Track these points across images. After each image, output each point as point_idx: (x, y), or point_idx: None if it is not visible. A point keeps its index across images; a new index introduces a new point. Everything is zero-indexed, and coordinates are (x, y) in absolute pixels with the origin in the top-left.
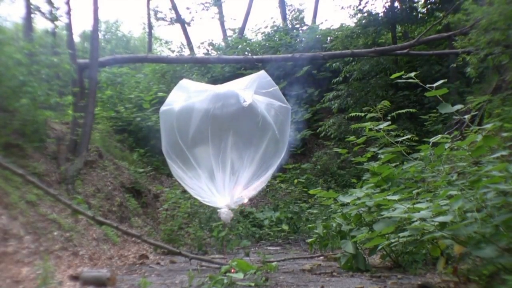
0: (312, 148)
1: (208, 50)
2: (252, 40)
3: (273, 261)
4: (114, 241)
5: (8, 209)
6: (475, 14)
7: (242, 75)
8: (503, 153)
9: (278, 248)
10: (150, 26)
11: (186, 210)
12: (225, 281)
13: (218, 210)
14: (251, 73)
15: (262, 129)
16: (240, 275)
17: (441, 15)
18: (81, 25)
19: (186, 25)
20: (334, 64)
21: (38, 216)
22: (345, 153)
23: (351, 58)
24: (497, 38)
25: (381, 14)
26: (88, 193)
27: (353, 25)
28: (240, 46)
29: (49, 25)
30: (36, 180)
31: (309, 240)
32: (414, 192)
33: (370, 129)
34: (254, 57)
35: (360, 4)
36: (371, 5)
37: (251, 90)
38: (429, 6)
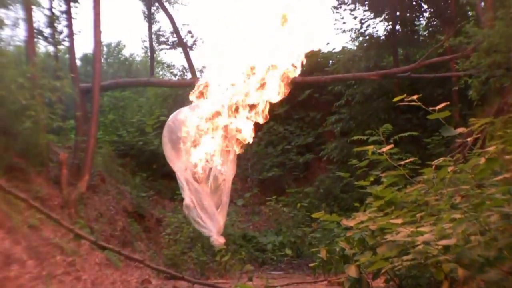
0: (315, 172)
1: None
2: None
3: (276, 286)
4: (116, 265)
5: (11, 233)
6: (476, 36)
7: None
8: (506, 175)
9: (281, 272)
10: (152, 50)
11: (189, 234)
12: None
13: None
14: None
15: None
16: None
17: (443, 38)
18: (83, 47)
19: (188, 49)
20: (336, 88)
21: (40, 241)
22: (348, 177)
23: (353, 81)
24: (498, 61)
25: (382, 37)
26: (90, 218)
27: (354, 48)
28: None
29: (51, 49)
30: (38, 205)
31: (312, 265)
32: (418, 215)
33: (373, 153)
34: None
35: (361, 27)
36: (373, 28)
37: None
38: (430, 29)
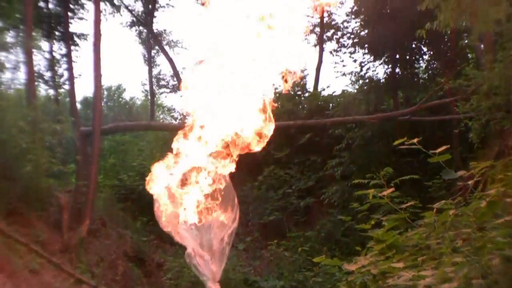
0: (316, 216)
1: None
2: None
3: None
4: None
5: (12, 277)
6: (476, 79)
7: None
8: (507, 218)
9: None
10: (153, 93)
11: (190, 279)
12: None
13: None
14: None
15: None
16: None
17: (443, 80)
18: (84, 90)
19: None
20: (336, 131)
21: (41, 285)
22: (349, 220)
23: (354, 125)
24: (498, 103)
25: (382, 80)
26: (91, 262)
27: (355, 91)
28: None
29: (51, 92)
30: (39, 249)
31: None
32: (419, 259)
33: (374, 196)
34: None
35: (361, 70)
36: (373, 71)
37: None
38: (430, 72)
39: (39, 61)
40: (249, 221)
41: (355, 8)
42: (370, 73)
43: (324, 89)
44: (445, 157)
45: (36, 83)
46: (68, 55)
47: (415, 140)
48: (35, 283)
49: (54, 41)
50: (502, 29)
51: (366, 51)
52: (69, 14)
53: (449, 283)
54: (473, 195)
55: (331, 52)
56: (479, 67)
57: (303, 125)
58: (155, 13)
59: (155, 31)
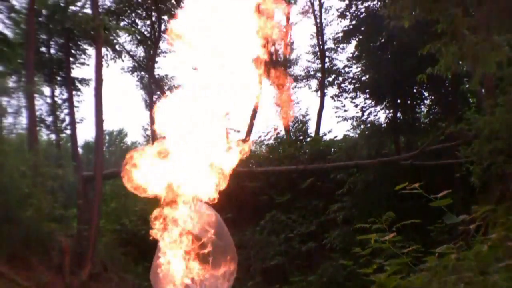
0: (318, 260)
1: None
2: (256, 152)
3: None
4: None
5: None
6: (477, 123)
7: (245, 187)
8: (509, 262)
9: None
10: (154, 138)
11: None
12: None
13: None
14: (255, 185)
15: None
16: None
17: (444, 125)
18: (85, 135)
19: None
20: (338, 175)
21: None
22: (351, 265)
23: (355, 169)
24: (500, 147)
25: (384, 125)
26: None
27: (356, 136)
28: (244, 158)
29: (53, 137)
30: None
31: None
32: None
33: (376, 240)
34: (258, 169)
35: (362, 115)
36: (374, 115)
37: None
38: (431, 116)
39: (41, 106)
40: (250, 265)
41: (356, 53)
42: (371, 118)
43: (325, 134)
44: (446, 202)
45: (37, 127)
46: (69, 100)
47: (417, 185)
48: None
49: (56, 86)
50: (503, 73)
51: (367, 96)
52: (71, 59)
53: None
54: (475, 239)
55: (332, 97)
56: (480, 111)
57: (305, 170)
58: (157, 59)
59: (156, 76)
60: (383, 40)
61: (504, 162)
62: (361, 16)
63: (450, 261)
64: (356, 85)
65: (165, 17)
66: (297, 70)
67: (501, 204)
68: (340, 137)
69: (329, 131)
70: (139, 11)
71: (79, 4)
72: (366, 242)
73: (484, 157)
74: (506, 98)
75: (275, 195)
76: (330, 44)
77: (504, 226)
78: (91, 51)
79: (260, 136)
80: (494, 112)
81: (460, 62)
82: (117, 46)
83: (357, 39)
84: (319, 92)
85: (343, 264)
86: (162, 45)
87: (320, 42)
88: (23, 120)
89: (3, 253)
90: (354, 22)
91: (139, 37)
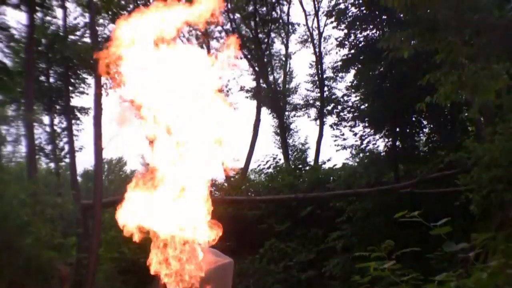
0: None
1: (211, 191)
2: (255, 181)
3: None
4: None
5: None
6: (476, 151)
7: (244, 215)
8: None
9: None
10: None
11: None
12: None
13: None
14: (254, 213)
15: None
16: None
17: (443, 153)
18: (84, 163)
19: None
20: (337, 203)
21: None
22: None
23: (355, 197)
24: (499, 175)
25: (383, 153)
26: None
27: (355, 164)
28: (243, 187)
29: (52, 165)
30: None
31: None
32: None
33: (375, 269)
34: (257, 197)
35: (361, 143)
36: (373, 144)
37: None
38: (430, 145)
39: (40, 135)
40: None
41: (355, 82)
42: (370, 146)
43: (324, 162)
44: (445, 230)
45: (37, 156)
46: (69, 129)
47: (416, 213)
48: None
49: (55, 114)
50: (502, 101)
51: (366, 124)
52: (70, 88)
53: None
54: (475, 266)
55: (331, 126)
56: (479, 139)
57: (304, 198)
58: None
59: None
60: (382, 69)
61: (504, 189)
62: (360, 45)
63: (450, 286)
64: (355, 114)
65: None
66: (296, 99)
67: (501, 231)
68: (339, 165)
69: (328, 160)
70: None
71: (78, 33)
72: (365, 270)
73: (483, 185)
74: (505, 126)
75: (274, 223)
76: (329, 73)
77: (504, 254)
78: (90, 80)
79: (259, 165)
80: (494, 140)
81: (459, 91)
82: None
83: (356, 68)
84: (318, 121)
85: None
86: None
87: (319, 71)
88: (22, 148)
89: (3, 281)
90: (352, 51)
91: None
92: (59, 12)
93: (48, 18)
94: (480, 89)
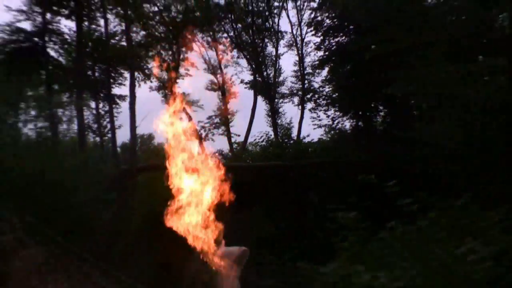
0: (299, 232)
1: (219, 159)
2: (252, 151)
3: None
4: None
5: (68, 278)
6: (419, 130)
7: (244, 177)
8: (445, 234)
9: None
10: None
11: None
12: None
13: None
14: (251, 177)
15: None
16: None
17: (395, 131)
18: (122, 137)
19: (202, 140)
20: (314, 170)
21: (90, 284)
22: (324, 236)
23: (327, 164)
24: (434, 151)
25: (349, 131)
26: (130, 266)
27: (328, 139)
28: (243, 156)
29: (97, 140)
30: (89, 256)
31: None
32: (376, 264)
33: (342, 218)
34: (253, 164)
35: (333, 123)
36: (341, 124)
37: None
38: (385, 125)
39: (88, 116)
40: (247, 237)
41: (329, 77)
42: (339, 126)
43: (304, 138)
44: (395, 189)
45: (85, 132)
46: (110, 111)
47: (373, 176)
48: (86, 284)
49: (99, 100)
50: (440, 93)
51: (336, 109)
52: (111, 80)
53: (397, 282)
54: (417, 217)
55: (310, 110)
56: (422, 121)
57: (289, 165)
58: (178, 80)
59: (177, 92)
60: (348, 67)
61: (440, 158)
62: (332, 49)
63: (398, 234)
64: (328, 101)
65: (183, 49)
66: (283, 89)
67: (438, 190)
68: (315, 140)
69: (307, 135)
70: (163, 44)
71: (116, 38)
72: (335, 219)
73: (424, 155)
74: (442, 111)
75: (266, 184)
76: (308, 69)
77: (438, 209)
78: (126, 74)
79: (255, 140)
80: (433, 122)
81: (409, 84)
82: (146, 71)
83: (329, 66)
84: (300, 106)
85: (317, 235)
86: (181, 70)
87: (301, 68)
88: (75, 126)
89: (61, 228)
90: (327, 53)
91: (163, 64)
92: (101, 22)
93: (93, 26)
94: (424, 83)
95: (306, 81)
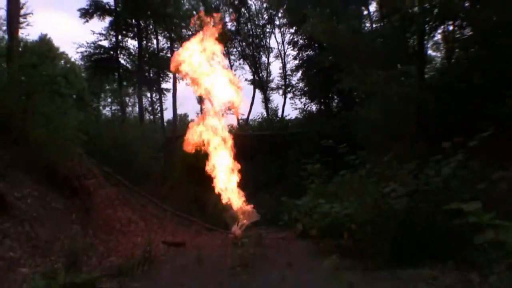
0: (281, 179)
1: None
2: (252, 125)
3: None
4: (184, 224)
5: (132, 209)
6: (361, 112)
7: (246, 142)
8: (376, 179)
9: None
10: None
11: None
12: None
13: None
14: (250, 142)
15: None
16: (246, 240)
17: (344, 112)
18: (168, 116)
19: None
20: (292, 137)
21: (146, 212)
22: (298, 180)
23: (301, 133)
24: (371, 124)
25: (315, 112)
26: (172, 200)
27: (301, 117)
28: (246, 128)
29: (151, 117)
30: (145, 194)
31: (281, 223)
32: (332, 199)
33: (310, 168)
34: (253, 133)
35: (304, 107)
36: (310, 108)
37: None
38: (338, 108)
39: (145, 102)
40: (248, 182)
41: (302, 77)
42: (309, 109)
43: (286, 116)
44: (345, 149)
45: (143, 113)
46: (159, 99)
47: (330, 141)
48: (143, 211)
49: (153, 92)
50: (373, 90)
51: (307, 97)
52: (160, 78)
53: (346, 210)
54: (359, 168)
55: (290, 98)
56: (362, 107)
57: (276, 134)
58: None
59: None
60: (315, 71)
61: (372, 131)
62: (304, 59)
63: (347, 179)
64: (301, 93)
65: None
66: (272, 84)
67: (371, 150)
68: (293, 118)
69: (288, 115)
70: None
71: (164, 51)
72: (306, 169)
73: (362, 128)
74: (374, 100)
75: (261, 146)
76: (289, 72)
77: (372, 162)
78: (170, 75)
79: (254, 117)
80: (369, 107)
81: (352, 82)
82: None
83: (302, 70)
84: (283, 96)
85: (295, 180)
86: None
87: (284, 71)
88: (136, 109)
89: (126, 177)
90: (300, 61)
91: None
92: (154, 41)
93: (149, 43)
94: (363, 82)
95: (287, 79)
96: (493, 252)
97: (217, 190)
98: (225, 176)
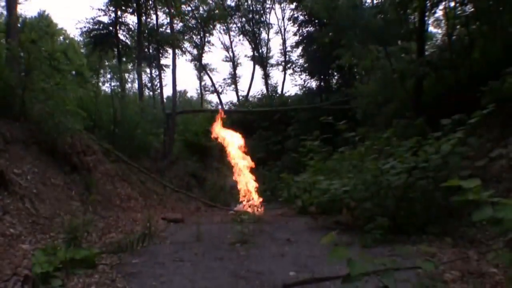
0: (281, 154)
1: (230, 106)
2: (252, 102)
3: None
4: (183, 201)
5: (131, 184)
6: (360, 88)
7: (246, 117)
8: (373, 156)
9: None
10: (202, 94)
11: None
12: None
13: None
14: (251, 117)
15: None
16: (246, 216)
17: (344, 88)
18: (167, 92)
19: (220, 94)
20: (292, 113)
21: (145, 188)
22: (297, 157)
23: (301, 109)
24: (369, 101)
25: (314, 88)
26: (171, 176)
27: (301, 93)
28: (246, 104)
29: (151, 94)
30: (145, 170)
31: (280, 199)
32: (331, 175)
33: (310, 144)
34: (253, 109)
35: (304, 83)
36: (310, 84)
37: None
38: (337, 85)
39: (145, 78)
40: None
41: (302, 53)
42: (309, 85)
43: (286, 93)
44: (344, 127)
45: (143, 89)
46: (159, 75)
47: (330, 118)
48: (142, 187)
49: (152, 68)
50: (373, 65)
51: (307, 73)
52: (160, 55)
53: (345, 187)
54: (357, 145)
55: (289, 74)
56: (362, 83)
57: (276, 110)
58: (203, 54)
59: (203, 63)
60: (314, 47)
61: (372, 107)
62: (304, 35)
63: (346, 155)
64: (301, 69)
65: (207, 35)
66: (272, 61)
67: (372, 126)
68: (293, 94)
69: (288, 91)
70: (194, 31)
71: (163, 27)
72: (305, 145)
73: (362, 104)
74: (373, 76)
75: (261, 123)
76: (289, 48)
77: (371, 139)
78: (169, 50)
79: (254, 94)
80: (368, 83)
81: (352, 58)
82: (183, 48)
83: (302, 46)
84: (283, 72)
85: (294, 156)
86: (206, 48)
87: (284, 47)
88: (136, 85)
89: (126, 154)
90: (300, 38)
91: (194, 44)
92: (154, 16)
93: (148, 19)
94: (363, 58)
95: (287, 56)
96: (491, 229)
97: (233, 164)
98: (236, 153)
